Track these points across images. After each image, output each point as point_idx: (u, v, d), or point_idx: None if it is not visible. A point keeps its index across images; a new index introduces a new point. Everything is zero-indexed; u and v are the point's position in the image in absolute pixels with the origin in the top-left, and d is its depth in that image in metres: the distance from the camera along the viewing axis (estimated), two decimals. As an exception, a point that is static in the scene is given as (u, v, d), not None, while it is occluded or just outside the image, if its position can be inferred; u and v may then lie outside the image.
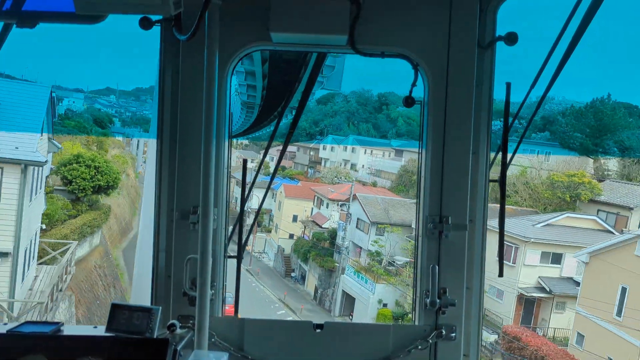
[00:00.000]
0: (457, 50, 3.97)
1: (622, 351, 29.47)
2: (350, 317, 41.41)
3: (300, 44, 4.27)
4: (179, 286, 4.08)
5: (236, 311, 4.58)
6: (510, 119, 3.95)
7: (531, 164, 50.89)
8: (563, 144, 55.20)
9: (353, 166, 76.31)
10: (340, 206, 37.30)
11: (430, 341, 4.09)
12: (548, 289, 34.60)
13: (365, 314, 39.63)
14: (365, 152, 75.49)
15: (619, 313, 31.05)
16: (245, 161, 4.82)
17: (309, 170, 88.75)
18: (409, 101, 4.10)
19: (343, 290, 43.78)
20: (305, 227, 59.25)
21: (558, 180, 44.26)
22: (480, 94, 4.01)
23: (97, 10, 3.44)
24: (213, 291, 4.07)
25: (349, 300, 43.96)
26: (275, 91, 9.38)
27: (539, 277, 35.31)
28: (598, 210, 40.40)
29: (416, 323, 4.22)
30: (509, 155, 4.05)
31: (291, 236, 59.08)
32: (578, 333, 32.70)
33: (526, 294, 34.82)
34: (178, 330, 3.44)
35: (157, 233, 4.18)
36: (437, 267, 4.00)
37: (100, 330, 3.36)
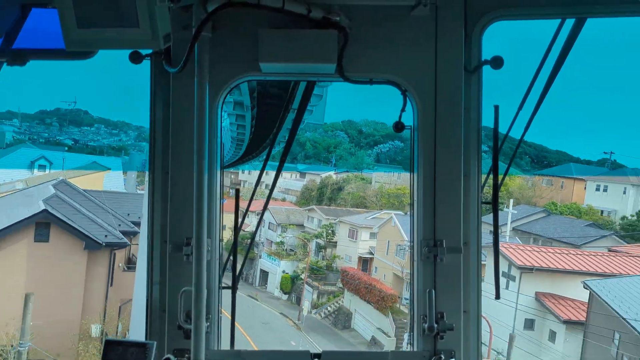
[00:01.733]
0: (444, 75, 4.00)
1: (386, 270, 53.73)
2: (265, 285, 62.32)
3: (289, 73, 4.29)
4: (173, 319, 4.01)
5: (232, 343, 4.54)
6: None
7: (383, 181, 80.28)
8: (404, 166, 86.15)
9: (267, 186, 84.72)
10: (257, 215, 44.28)
11: None
12: (372, 252, 57.79)
13: (274, 280, 61.06)
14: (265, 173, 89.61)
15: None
16: (237, 191, 4.84)
17: (230, 190, 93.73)
18: (398, 126, 4.12)
19: (261, 269, 63.95)
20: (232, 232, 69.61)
21: (391, 192, 73.37)
22: (469, 117, 4.03)
23: (88, 47, 3.47)
24: (208, 323, 4.01)
25: (264, 275, 63.53)
26: (264, 122, 9.42)
27: (369, 246, 58.26)
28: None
29: (415, 349, 4.17)
30: (500, 177, 4.10)
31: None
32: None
33: (362, 256, 58.17)
34: None
35: (150, 266, 4.12)
36: (433, 291, 3.97)
37: None
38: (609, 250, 43.43)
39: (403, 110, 4.04)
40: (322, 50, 3.77)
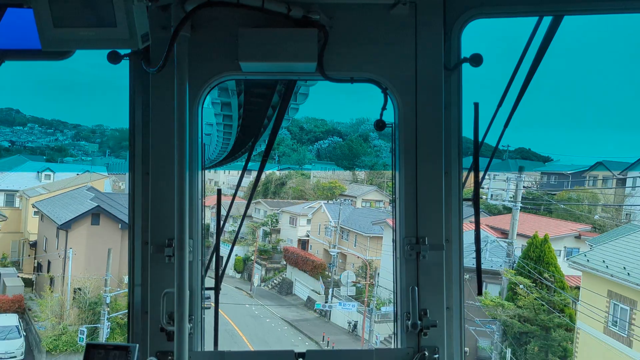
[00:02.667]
0: (424, 73, 4.00)
1: (318, 246, 63.50)
2: (221, 267, 73.59)
3: (269, 72, 4.27)
4: (156, 321, 3.96)
5: (216, 344, 4.50)
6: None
7: (320, 177, 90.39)
8: (338, 164, 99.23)
9: (216, 183, 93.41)
10: (211, 209, 51.24)
11: None
12: (308, 235, 67.62)
13: (229, 262, 76.64)
14: (224, 173, 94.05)
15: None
16: (219, 191, 4.79)
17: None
18: (379, 125, 4.10)
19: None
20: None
21: (325, 185, 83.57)
22: (449, 115, 4.04)
23: (64, 46, 3.36)
24: (191, 325, 3.97)
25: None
26: (251, 122, 9.30)
27: (306, 230, 67.39)
28: (342, 198, 72.08)
29: (398, 346, 4.15)
30: (480, 174, 4.09)
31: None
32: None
33: (301, 239, 67.44)
34: None
35: (132, 268, 4.08)
36: (416, 288, 3.96)
37: None
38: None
39: (384, 108, 4.07)
40: (302, 49, 3.78)
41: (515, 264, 32.11)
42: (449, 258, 4.06)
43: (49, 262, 44.31)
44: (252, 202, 75.14)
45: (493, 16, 4.11)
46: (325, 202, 68.85)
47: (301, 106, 8.82)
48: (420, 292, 3.99)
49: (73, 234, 42.32)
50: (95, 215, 42.78)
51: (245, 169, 5.76)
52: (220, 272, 4.43)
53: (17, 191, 52.76)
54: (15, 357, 30.87)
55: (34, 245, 49.00)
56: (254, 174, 6.29)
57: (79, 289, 39.33)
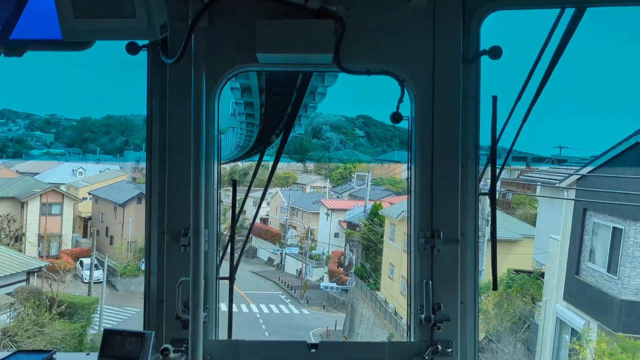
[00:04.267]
0: (442, 65, 3.96)
1: (275, 221, 76.50)
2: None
3: (286, 63, 4.27)
4: (171, 309, 4.02)
5: (230, 333, 4.56)
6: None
7: (278, 168, 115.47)
8: (292, 158, 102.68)
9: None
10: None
11: (427, 357, 4.05)
12: (268, 214, 78.50)
13: None
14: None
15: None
16: (234, 182, 4.81)
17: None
18: (396, 117, 4.07)
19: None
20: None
21: (280, 175, 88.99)
22: (467, 108, 4.00)
23: (84, 37, 3.43)
24: (206, 313, 4.03)
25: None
26: (274, 112, 9.15)
27: (267, 211, 77.43)
28: (294, 186, 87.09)
29: (412, 339, 4.17)
30: (497, 168, 4.04)
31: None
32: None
33: (262, 217, 77.63)
34: (172, 355, 3.39)
35: (148, 256, 4.15)
36: (430, 282, 3.96)
37: (93, 357, 3.31)
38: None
39: (400, 100, 4.03)
40: (319, 41, 3.76)
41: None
42: (464, 252, 4.03)
43: (106, 228, 62.26)
44: (223, 189, 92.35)
45: (513, 8, 4.03)
46: (281, 188, 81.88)
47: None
48: (434, 286, 3.97)
49: (127, 209, 59.37)
50: (139, 197, 58.08)
51: (260, 162, 5.90)
52: (235, 262, 4.46)
53: (63, 184, 68.49)
54: (100, 280, 44.76)
55: (88, 219, 66.41)
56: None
57: (134, 241, 56.30)
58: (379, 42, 4.00)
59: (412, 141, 4.13)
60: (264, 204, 77.25)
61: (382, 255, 43.74)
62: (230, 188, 4.55)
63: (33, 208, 56.85)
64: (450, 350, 4.06)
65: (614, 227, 22.14)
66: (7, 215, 51.75)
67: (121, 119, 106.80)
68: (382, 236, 44.76)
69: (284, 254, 69.20)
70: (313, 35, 3.78)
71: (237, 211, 4.55)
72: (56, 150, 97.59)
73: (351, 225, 55.30)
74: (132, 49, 3.60)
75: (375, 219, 45.93)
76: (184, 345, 3.84)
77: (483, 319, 29.53)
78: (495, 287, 4.25)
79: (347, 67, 3.94)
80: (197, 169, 3.70)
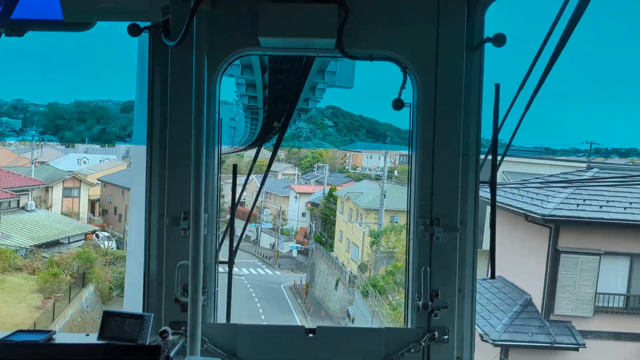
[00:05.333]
0: (446, 52, 3.94)
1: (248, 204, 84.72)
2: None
3: (288, 48, 4.25)
4: (170, 293, 4.04)
5: (228, 317, 4.56)
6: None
7: (250, 157, 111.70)
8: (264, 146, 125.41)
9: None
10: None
11: (423, 344, 4.07)
12: (244, 198, 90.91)
13: None
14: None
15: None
16: (235, 167, 4.81)
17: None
18: (398, 104, 4.05)
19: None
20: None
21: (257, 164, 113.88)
22: (469, 96, 3.99)
23: (85, 18, 3.42)
24: (205, 297, 4.04)
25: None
26: (279, 98, 9.17)
27: (244, 195, 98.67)
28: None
29: (409, 326, 4.19)
30: (498, 157, 4.05)
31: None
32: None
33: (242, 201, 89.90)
34: (170, 337, 3.37)
35: (148, 239, 4.14)
36: (428, 269, 3.97)
37: (93, 338, 3.29)
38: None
39: (403, 87, 4.01)
40: (321, 25, 3.73)
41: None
42: (462, 240, 4.04)
43: (115, 208, 69.37)
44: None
45: None
46: (256, 175, 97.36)
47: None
48: (433, 273, 3.98)
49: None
50: (144, 186, 70.10)
51: (260, 148, 5.84)
52: (235, 246, 4.45)
53: (71, 171, 73.18)
54: (113, 247, 49.98)
55: (96, 201, 72.82)
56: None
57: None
58: (382, 28, 3.96)
59: (414, 128, 4.11)
60: (239, 189, 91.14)
61: (335, 225, 57.69)
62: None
63: (57, 191, 68.89)
64: (447, 337, 4.06)
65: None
66: (39, 197, 63.91)
67: (93, 105, 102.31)
68: (335, 211, 58.71)
69: (259, 231, 76.84)
70: (316, 19, 3.73)
71: (236, 196, 4.54)
72: (32, 139, 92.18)
73: (314, 205, 69.01)
74: (134, 30, 3.57)
75: (331, 199, 60.02)
76: (183, 328, 3.84)
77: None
78: (493, 276, 4.32)
79: (350, 52, 3.90)
80: (198, 152, 3.66)
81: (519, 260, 22.11)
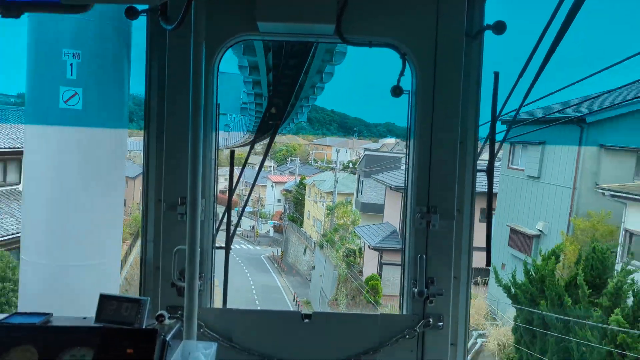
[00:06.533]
0: (445, 39, 3.91)
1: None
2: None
3: (287, 33, 4.22)
4: (167, 277, 4.05)
5: (225, 302, 4.60)
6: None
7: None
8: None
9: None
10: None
11: (418, 330, 4.09)
12: (225, 187, 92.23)
13: None
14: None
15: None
16: (232, 152, 4.81)
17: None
18: (396, 91, 4.03)
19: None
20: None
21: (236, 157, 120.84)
22: (468, 84, 3.96)
23: (83, 0, 3.31)
24: (201, 282, 4.04)
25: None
26: (282, 86, 9.04)
27: (225, 185, 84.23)
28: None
29: (404, 312, 4.20)
30: (496, 145, 4.03)
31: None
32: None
33: (221, 190, 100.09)
34: (167, 321, 3.30)
35: (145, 224, 4.14)
36: (424, 257, 3.99)
37: (89, 321, 3.24)
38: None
39: (402, 74, 4.00)
40: (321, 10, 3.70)
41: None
42: (459, 228, 4.03)
43: None
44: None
45: None
46: (236, 167, 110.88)
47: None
48: (429, 260, 3.99)
49: (137, 181, 64.33)
50: (145, 172, 79.13)
51: (255, 136, 5.69)
52: (231, 232, 4.44)
53: None
54: None
55: None
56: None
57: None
58: (382, 15, 3.93)
59: (412, 116, 4.09)
60: (222, 179, 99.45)
61: (304, 207, 71.35)
62: None
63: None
64: (441, 324, 4.07)
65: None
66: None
67: None
68: (304, 196, 72.48)
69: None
70: (315, 4, 3.70)
71: (234, 182, 4.48)
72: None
73: (288, 191, 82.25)
74: (131, 13, 3.51)
75: (301, 186, 73.89)
76: (179, 312, 3.82)
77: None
78: (488, 264, 4.17)
79: (349, 38, 3.89)
80: (195, 138, 3.60)
81: (397, 212, 35.72)
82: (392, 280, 33.90)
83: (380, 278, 34.49)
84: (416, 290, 3.99)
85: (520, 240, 27.06)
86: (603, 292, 14.89)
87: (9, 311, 18.68)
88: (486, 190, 4.03)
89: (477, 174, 4.13)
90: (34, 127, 5.27)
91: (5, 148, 27.65)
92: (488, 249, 4.16)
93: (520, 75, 3.91)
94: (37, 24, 5.04)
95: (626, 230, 20.67)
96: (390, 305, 32.47)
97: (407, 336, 4.10)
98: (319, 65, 7.61)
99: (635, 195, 20.08)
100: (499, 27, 3.69)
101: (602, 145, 23.56)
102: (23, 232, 5.65)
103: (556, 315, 15.84)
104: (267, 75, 8.69)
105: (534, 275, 17.19)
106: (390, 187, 37.71)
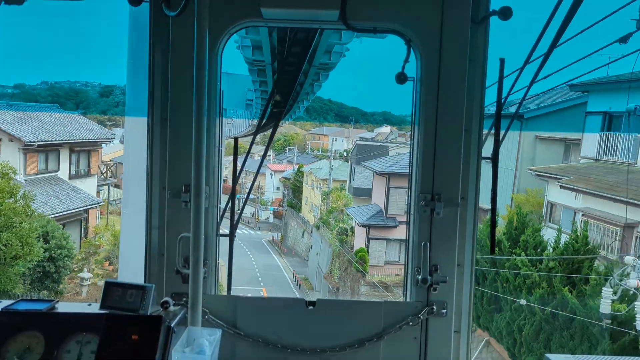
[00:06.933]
0: (450, 25, 3.87)
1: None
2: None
3: (291, 19, 4.19)
4: (172, 264, 4.06)
5: (229, 289, 4.65)
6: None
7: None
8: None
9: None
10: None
11: (422, 317, 4.09)
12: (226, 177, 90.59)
13: None
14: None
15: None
16: (236, 139, 4.89)
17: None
18: (401, 78, 4.02)
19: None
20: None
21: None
22: (474, 70, 3.93)
23: None
24: (206, 269, 4.05)
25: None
26: (286, 74, 8.79)
27: (225, 174, 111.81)
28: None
29: (408, 299, 4.21)
30: (501, 133, 4.01)
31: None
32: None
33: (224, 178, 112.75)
34: (171, 308, 3.36)
35: (149, 211, 4.14)
36: (428, 244, 3.98)
37: (95, 308, 3.26)
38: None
39: (406, 61, 3.99)
40: None
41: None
42: (463, 216, 4.02)
43: None
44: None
45: None
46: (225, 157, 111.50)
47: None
48: (432, 248, 3.99)
49: None
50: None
51: (260, 123, 5.79)
52: (235, 220, 4.43)
53: None
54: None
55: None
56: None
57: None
58: (387, 0, 3.89)
59: (417, 103, 4.07)
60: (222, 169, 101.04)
61: (302, 193, 72.67)
62: None
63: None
64: (445, 311, 4.08)
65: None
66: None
67: (66, 87, 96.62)
68: (302, 183, 74.23)
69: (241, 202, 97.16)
70: None
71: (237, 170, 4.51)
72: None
73: (286, 179, 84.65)
74: (134, 0, 3.45)
75: (299, 174, 77.53)
76: (184, 299, 3.83)
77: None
78: (492, 252, 4.66)
79: (354, 25, 3.86)
80: (199, 125, 3.60)
81: (382, 195, 40.71)
82: (378, 253, 38.79)
83: (368, 251, 39.05)
84: (420, 277, 3.98)
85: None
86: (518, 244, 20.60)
87: (64, 273, 22.31)
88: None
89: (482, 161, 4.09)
90: (134, 119, 5.37)
91: (46, 141, 32.80)
92: (492, 236, 4.20)
93: (526, 62, 3.88)
94: (135, 22, 5.07)
95: (548, 202, 28.11)
96: (377, 274, 37.33)
97: (411, 323, 4.10)
98: (326, 45, 7.39)
99: (554, 174, 26.88)
100: (505, 13, 3.65)
101: (537, 135, 30.76)
102: (124, 211, 6.06)
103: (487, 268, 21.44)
104: (272, 64, 8.56)
105: (478, 237, 22.20)
106: (376, 173, 41.86)
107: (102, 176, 45.88)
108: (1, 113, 34.14)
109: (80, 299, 28.50)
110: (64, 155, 35.64)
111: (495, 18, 3.76)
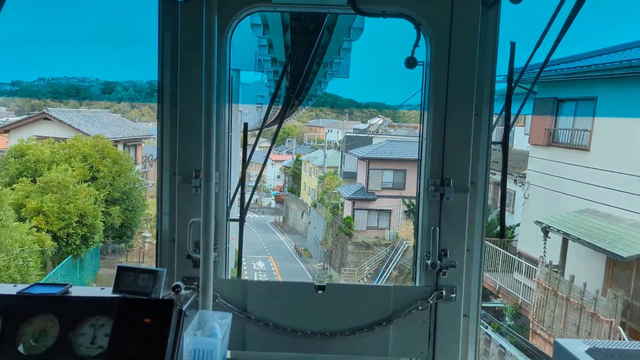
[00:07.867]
0: (461, 9, 3.82)
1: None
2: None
3: (300, 4, 4.15)
4: (183, 249, 4.07)
5: (239, 273, 4.65)
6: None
7: None
8: None
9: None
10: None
11: (431, 302, 4.10)
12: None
13: None
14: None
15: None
16: (246, 125, 4.82)
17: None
18: (410, 62, 3.95)
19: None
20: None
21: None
22: (484, 54, 3.88)
23: None
24: (216, 254, 4.06)
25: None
26: (299, 60, 8.79)
27: None
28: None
29: (417, 284, 4.21)
30: (512, 117, 3.97)
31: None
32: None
33: None
34: (183, 292, 3.34)
35: (160, 197, 4.16)
36: (437, 229, 3.96)
37: (108, 292, 3.29)
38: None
39: (416, 45, 3.90)
40: None
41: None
42: (473, 201, 4.00)
43: None
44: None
45: None
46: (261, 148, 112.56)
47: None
48: (442, 233, 3.97)
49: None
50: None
51: (269, 110, 5.99)
52: (245, 204, 4.45)
53: None
54: None
55: None
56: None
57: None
58: None
59: (426, 87, 4.03)
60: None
61: (301, 179, 79.24)
62: None
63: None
64: (454, 295, 4.08)
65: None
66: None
67: (64, 83, 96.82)
68: (301, 170, 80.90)
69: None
70: None
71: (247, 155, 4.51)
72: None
73: (286, 167, 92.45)
74: None
75: (297, 163, 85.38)
76: (195, 283, 3.87)
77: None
78: (502, 236, 4.80)
79: (363, 9, 3.81)
80: (209, 110, 3.62)
81: (364, 175, 49.03)
82: (361, 220, 49.41)
83: (353, 218, 49.20)
84: (429, 262, 3.97)
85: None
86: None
87: (136, 230, 30.04)
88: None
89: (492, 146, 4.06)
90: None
91: (124, 137, 45.52)
92: (502, 220, 4.24)
93: (537, 46, 3.77)
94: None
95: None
96: (361, 237, 46.91)
97: (420, 307, 4.11)
98: (343, 23, 6.95)
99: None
100: None
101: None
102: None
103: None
104: (284, 35, 8.28)
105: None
106: (359, 158, 52.38)
107: (143, 165, 51.95)
108: (69, 113, 43.84)
109: (144, 250, 38.30)
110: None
111: (506, 1, 3.71)
